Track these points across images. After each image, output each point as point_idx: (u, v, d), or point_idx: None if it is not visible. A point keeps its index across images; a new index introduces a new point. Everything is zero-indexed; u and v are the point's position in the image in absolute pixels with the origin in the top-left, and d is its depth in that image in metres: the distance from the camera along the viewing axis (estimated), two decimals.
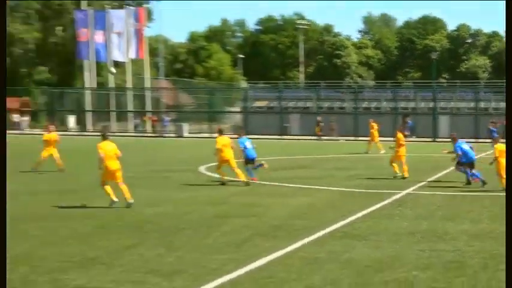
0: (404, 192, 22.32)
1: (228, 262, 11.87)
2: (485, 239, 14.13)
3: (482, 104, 72.42)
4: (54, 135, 30.35)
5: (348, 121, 68.17)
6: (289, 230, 15.10)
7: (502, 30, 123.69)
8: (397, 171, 27.10)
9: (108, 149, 18.80)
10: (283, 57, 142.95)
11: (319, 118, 67.09)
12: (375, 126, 44.40)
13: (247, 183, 24.21)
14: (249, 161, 25.77)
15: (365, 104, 76.28)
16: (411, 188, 23.47)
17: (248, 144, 25.93)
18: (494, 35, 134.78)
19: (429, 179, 26.46)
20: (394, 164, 27.40)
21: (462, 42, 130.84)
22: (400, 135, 28.06)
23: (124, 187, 18.72)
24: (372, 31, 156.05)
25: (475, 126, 62.67)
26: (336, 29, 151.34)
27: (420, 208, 18.73)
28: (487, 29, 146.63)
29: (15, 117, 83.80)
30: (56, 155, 29.68)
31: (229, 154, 24.60)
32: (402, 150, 27.65)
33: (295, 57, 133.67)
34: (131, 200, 18.51)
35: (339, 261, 12.10)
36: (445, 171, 28.84)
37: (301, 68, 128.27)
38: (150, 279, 10.73)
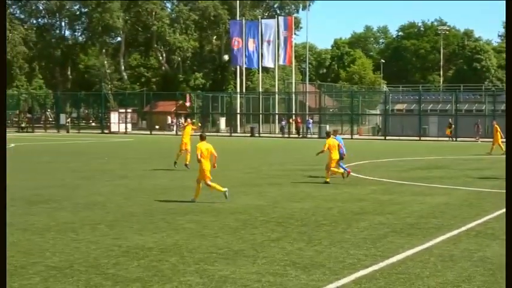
0: None
1: (364, 257, 11.75)
2: None
3: None
4: (189, 127, 30.58)
5: (487, 123, 66.31)
6: (424, 228, 14.81)
7: None
8: None
9: (204, 148, 18.84)
10: (424, 62, 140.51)
11: (450, 120, 66.05)
12: (498, 128, 43.08)
13: (346, 175, 24.53)
14: (340, 156, 25.57)
15: (503, 107, 73.74)
16: None
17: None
18: None
19: None
20: None
21: None
22: None
23: (214, 184, 18.77)
24: None
25: None
26: (476, 34, 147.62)
27: None
28: None
29: (170, 119, 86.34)
30: (188, 147, 29.62)
31: (336, 155, 24.46)
32: None
33: (436, 61, 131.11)
34: (226, 189, 18.68)
35: (473, 259, 11.75)
36: None
37: (441, 72, 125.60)
38: (290, 271, 10.76)
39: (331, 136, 25.37)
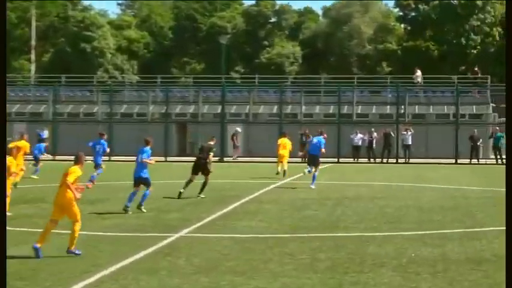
0: (176, 236, 22.22)
1: None
2: None
3: (288, 109, 72.43)
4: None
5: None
6: None
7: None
8: None
9: None
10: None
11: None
12: None
13: None
14: None
15: (123, 110, 74.00)
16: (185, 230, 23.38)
17: None
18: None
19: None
20: None
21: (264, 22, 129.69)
22: None
23: None
24: (136, 4, 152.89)
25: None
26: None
27: (198, 258, 18.64)
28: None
29: None
30: None
31: None
32: None
33: (23, 40, 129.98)
34: None
35: None
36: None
37: (33, 56, 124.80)
38: None
39: None
